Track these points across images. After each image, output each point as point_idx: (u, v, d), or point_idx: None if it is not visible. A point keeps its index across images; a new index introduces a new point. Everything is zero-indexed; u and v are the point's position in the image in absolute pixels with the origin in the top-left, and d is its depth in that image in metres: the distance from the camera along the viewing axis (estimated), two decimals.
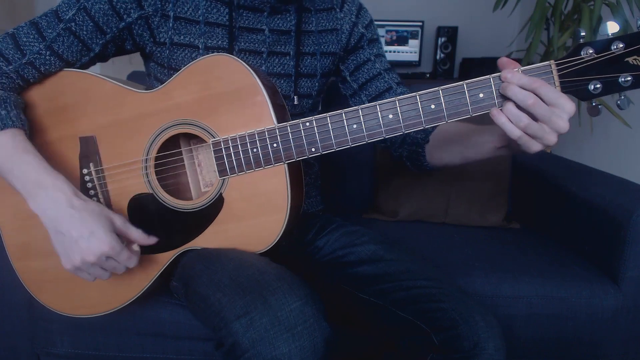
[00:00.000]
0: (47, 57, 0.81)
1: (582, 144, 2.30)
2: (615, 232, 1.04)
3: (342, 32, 0.97)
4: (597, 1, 1.74)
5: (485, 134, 0.82)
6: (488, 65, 2.59)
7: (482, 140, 0.82)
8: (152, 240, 0.78)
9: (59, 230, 0.73)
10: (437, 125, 0.92)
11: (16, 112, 0.77)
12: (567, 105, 0.66)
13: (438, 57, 2.91)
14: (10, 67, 0.80)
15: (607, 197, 1.11)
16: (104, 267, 0.75)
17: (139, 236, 0.77)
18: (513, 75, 0.67)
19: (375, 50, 1.01)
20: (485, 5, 2.22)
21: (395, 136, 0.98)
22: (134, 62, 1.26)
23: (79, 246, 0.72)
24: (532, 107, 0.66)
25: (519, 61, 1.99)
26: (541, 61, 2.13)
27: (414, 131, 0.93)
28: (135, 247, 0.78)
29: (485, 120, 0.73)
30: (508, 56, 2.14)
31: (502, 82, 0.69)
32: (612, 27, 0.65)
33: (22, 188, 0.74)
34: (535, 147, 0.69)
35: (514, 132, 0.69)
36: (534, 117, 0.67)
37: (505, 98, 0.69)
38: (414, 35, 2.86)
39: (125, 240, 0.77)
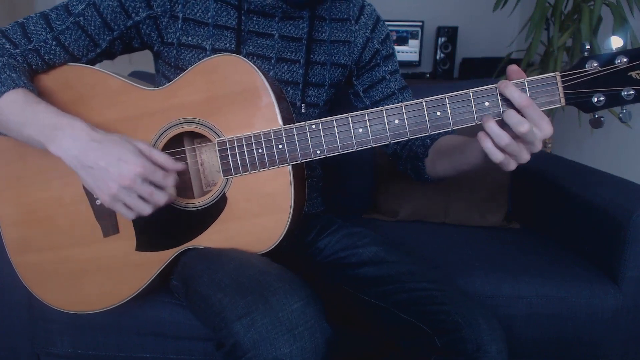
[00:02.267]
0: (53, 48, 0.82)
1: (582, 144, 2.31)
2: (615, 232, 1.04)
3: (355, 46, 0.96)
4: (597, 1, 1.75)
5: (472, 145, 0.81)
6: (488, 66, 2.59)
7: (468, 151, 0.82)
8: (179, 166, 0.76)
9: (87, 165, 0.72)
10: (438, 138, 0.94)
11: (26, 78, 0.78)
12: (547, 130, 0.68)
13: (438, 57, 2.91)
14: (17, 50, 0.80)
15: (607, 197, 1.11)
16: (140, 193, 0.72)
17: (165, 160, 0.75)
18: (508, 89, 0.68)
19: (390, 66, 1.00)
20: (485, 5, 2.22)
21: (401, 150, 0.99)
22: (134, 61, 1.26)
23: (110, 173, 0.71)
24: (524, 134, 0.67)
25: (519, 61, 1.99)
26: (541, 61, 2.13)
27: (415, 146, 0.95)
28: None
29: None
30: (508, 56, 2.12)
31: (500, 94, 0.69)
32: (615, 42, 0.66)
33: (40, 135, 0.74)
34: (512, 166, 0.71)
35: (498, 156, 0.70)
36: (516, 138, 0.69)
37: (507, 102, 0.70)
38: (414, 35, 2.86)
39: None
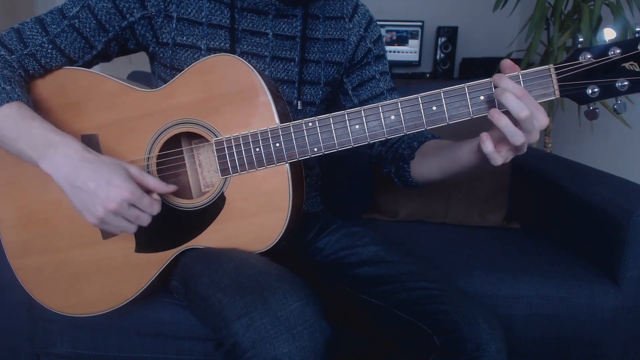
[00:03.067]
0: (49, 51, 0.82)
1: (582, 143, 2.31)
2: (615, 232, 1.04)
3: (349, 44, 0.97)
4: (597, 1, 1.75)
5: (461, 145, 0.82)
6: (488, 66, 2.59)
7: (457, 150, 0.83)
8: (170, 188, 0.77)
9: (75, 185, 0.72)
10: (422, 139, 0.94)
11: (21, 90, 0.78)
12: (543, 120, 0.68)
13: (438, 57, 2.91)
14: (13, 56, 0.80)
15: (607, 197, 1.11)
16: (126, 216, 0.73)
17: (156, 184, 0.76)
18: (502, 80, 0.68)
19: (380, 67, 1.01)
20: (485, 5, 2.22)
21: (386, 152, 0.99)
22: (134, 62, 1.26)
23: (98, 196, 0.71)
24: (523, 120, 0.66)
25: (519, 61, 1.98)
26: (541, 61, 2.14)
27: (402, 148, 0.95)
28: (155, 196, 0.77)
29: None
30: (508, 56, 2.14)
31: (495, 86, 0.69)
32: (609, 34, 0.67)
33: (33, 151, 0.74)
34: (499, 161, 0.71)
35: (498, 160, 0.71)
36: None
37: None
38: (414, 35, 2.86)
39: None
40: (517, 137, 0.68)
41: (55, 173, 0.73)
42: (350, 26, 0.96)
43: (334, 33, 0.95)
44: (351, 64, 0.99)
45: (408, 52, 2.89)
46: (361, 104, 1.00)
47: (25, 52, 0.81)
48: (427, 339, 0.76)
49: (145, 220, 0.75)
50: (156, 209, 0.75)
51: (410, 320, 0.78)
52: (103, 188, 0.71)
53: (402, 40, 2.87)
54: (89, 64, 0.88)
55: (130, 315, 0.96)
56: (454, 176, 0.87)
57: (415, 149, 0.94)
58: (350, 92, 1.01)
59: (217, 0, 0.86)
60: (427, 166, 0.91)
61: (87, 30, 0.83)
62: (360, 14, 0.97)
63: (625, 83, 0.67)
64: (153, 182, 0.76)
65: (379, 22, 1.03)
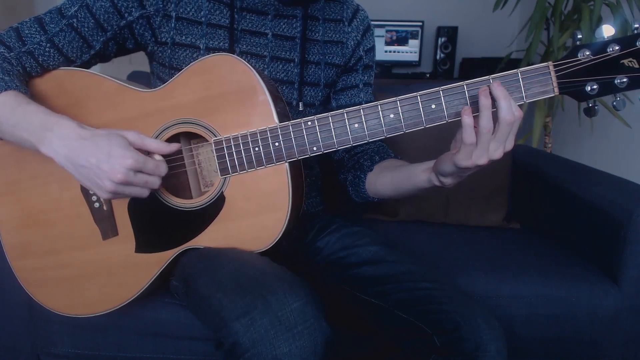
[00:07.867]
0: (47, 50, 0.82)
1: (582, 144, 2.31)
2: (615, 232, 1.04)
3: (347, 47, 0.97)
4: (597, 1, 1.75)
5: (418, 164, 0.83)
6: (488, 66, 2.59)
7: (412, 167, 0.83)
8: (173, 146, 0.77)
9: (79, 164, 0.72)
10: (385, 156, 0.94)
11: (19, 82, 0.78)
12: (509, 146, 0.69)
13: (438, 57, 2.90)
14: (12, 53, 0.81)
15: (607, 197, 1.11)
16: (136, 183, 0.73)
17: (157, 145, 0.76)
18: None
19: (366, 77, 1.01)
20: (485, 5, 2.22)
21: (348, 160, 1.00)
22: (134, 62, 1.27)
23: (102, 170, 0.71)
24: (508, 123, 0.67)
25: (519, 62, 1.98)
26: (541, 61, 2.14)
27: (363, 158, 0.96)
28: (157, 157, 0.77)
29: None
30: (508, 56, 2.12)
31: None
32: (607, 30, 0.67)
33: (31, 136, 0.74)
34: (472, 139, 0.69)
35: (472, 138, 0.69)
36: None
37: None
38: (414, 35, 2.86)
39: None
40: (470, 138, 0.67)
41: (56, 156, 0.73)
42: (349, 30, 0.97)
43: (333, 35, 0.96)
44: (345, 67, 0.99)
45: (408, 52, 2.89)
46: (338, 108, 1.00)
47: (23, 50, 0.81)
48: (427, 339, 0.76)
49: (155, 183, 0.75)
50: (163, 169, 0.75)
51: (410, 321, 0.78)
52: (105, 161, 0.71)
53: (402, 40, 2.86)
54: (87, 64, 0.88)
55: (130, 315, 0.96)
56: (403, 193, 0.87)
57: (376, 162, 0.94)
58: (331, 94, 1.01)
59: (217, 0, 0.87)
60: (381, 179, 0.91)
61: (86, 29, 0.83)
62: (359, 20, 0.98)
63: (624, 80, 0.67)
64: (154, 144, 0.76)
65: (379, 23, 1.03)
